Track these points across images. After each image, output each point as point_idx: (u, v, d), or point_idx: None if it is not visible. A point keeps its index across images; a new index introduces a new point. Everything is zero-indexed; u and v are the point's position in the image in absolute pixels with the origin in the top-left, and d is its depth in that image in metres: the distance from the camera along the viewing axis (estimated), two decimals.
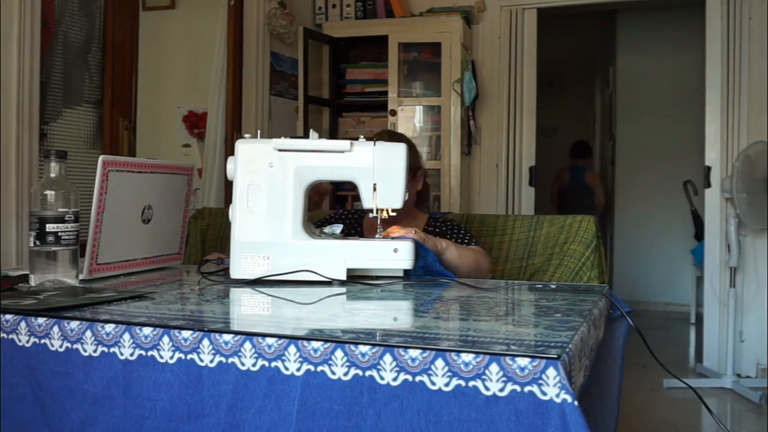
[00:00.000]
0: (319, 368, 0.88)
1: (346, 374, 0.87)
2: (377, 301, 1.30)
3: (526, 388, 0.80)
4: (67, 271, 1.31)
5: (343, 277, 1.42)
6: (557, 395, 0.79)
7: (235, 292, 1.33)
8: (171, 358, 0.95)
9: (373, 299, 1.30)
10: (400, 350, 0.85)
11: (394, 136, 1.96)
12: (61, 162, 1.32)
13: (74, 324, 1.02)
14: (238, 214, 1.44)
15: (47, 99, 2.60)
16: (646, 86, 6.03)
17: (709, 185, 3.90)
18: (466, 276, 1.70)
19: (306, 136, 1.49)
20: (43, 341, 1.03)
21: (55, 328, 1.03)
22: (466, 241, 1.91)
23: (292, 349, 0.90)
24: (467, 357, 0.82)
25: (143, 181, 1.56)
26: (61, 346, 1.02)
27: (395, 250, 1.45)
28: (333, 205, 3.93)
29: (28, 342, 1.04)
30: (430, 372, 0.83)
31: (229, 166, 1.46)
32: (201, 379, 0.93)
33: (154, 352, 0.96)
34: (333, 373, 0.87)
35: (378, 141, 1.49)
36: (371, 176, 1.48)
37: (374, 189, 1.48)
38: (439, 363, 0.83)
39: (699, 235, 4.79)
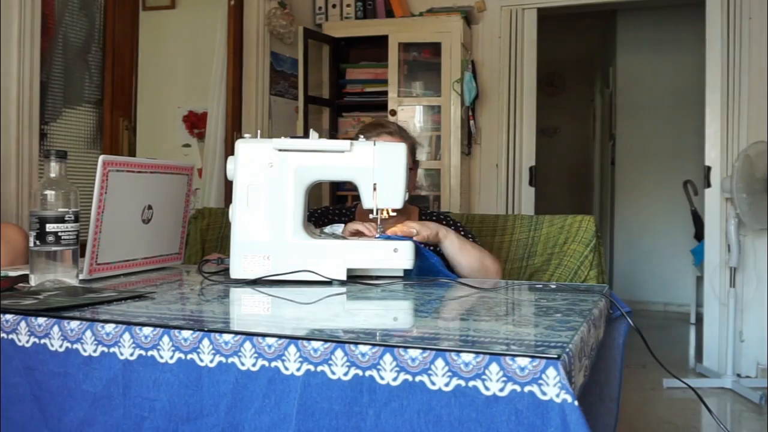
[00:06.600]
0: (319, 368, 0.88)
1: (346, 374, 0.87)
2: (377, 301, 1.30)
3: (526, 388, 0.80)
4: (67, 271, 1.31)
5: (343, 277, 1.42)
6: (557, 395, 0.79)
7: (235, 292, 1.33)
8: (171, 358, 0.95)
9: (373, 299, 1.30)
10: (400, 350, 0.85)
11: (402, 130, 1.94)
12: (61, 162, 1.32)
13: (74, 324, 1.02)
14: (238, 214, 1.44)
15: (47, 99, 2.59)
16: (646, 86, 6.02)
17: (709, 185, 3.90)
18: (468, 276, 1.67)
19: (306, 136, 1.49)
20: (43, 341, 1.03)
21: (55, 328, 1.02)
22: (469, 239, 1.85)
23: (292, 349, 0.90)
24: (467, 357, 0.82)
25: (143, 181, 1.56)
26: (61, 346, 1.02)
27: (395, 250, 1.45)
28: (333, 204, 3.92)
29: (28, 342, 1.04)
30: (430, 372, 0.83)
31: (229, 166, 1.46)
32: (201, 379, 0.93)
33: (154, 352, 0.96)
34: (333, 373, 0.87)
35: (378, 140, 1.49)
36: (371, 176, 1.48)
37: (374, 189, 1.48)
38: (439, 363, 0.83)
39: (699, 235, 4.79)
